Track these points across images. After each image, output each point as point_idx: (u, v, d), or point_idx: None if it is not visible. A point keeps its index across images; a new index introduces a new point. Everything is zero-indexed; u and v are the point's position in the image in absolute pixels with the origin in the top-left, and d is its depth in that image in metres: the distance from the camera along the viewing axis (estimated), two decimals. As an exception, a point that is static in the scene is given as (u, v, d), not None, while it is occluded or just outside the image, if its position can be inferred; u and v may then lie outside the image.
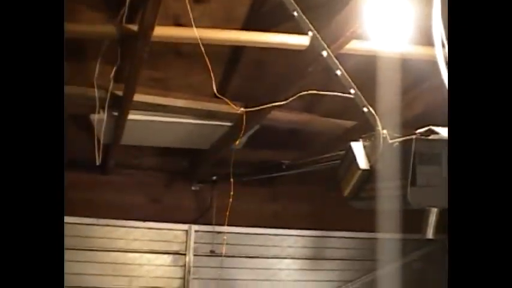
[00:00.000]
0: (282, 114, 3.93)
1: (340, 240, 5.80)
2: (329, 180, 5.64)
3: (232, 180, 4.09)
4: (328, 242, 5.78)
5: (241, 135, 3.45)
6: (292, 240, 5.68)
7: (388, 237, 5.88)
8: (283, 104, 2.86)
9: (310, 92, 2.62)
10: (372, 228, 5.68)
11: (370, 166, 2.22)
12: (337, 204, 5.67)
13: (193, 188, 5.47)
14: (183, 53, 3.41)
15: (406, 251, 5.96)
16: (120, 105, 3.72)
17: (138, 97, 3.62)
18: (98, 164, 3.81)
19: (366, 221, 5.70)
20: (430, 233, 5.25)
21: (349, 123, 4.08)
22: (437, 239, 5.37)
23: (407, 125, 2.37)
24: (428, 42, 1.92)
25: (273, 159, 4.32)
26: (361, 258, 5.85)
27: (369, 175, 2.21)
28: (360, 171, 2.22)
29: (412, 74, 3.23)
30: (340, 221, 5.71)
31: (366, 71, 2.64)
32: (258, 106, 3.04)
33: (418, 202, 2.07)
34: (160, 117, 4.02)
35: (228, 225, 4.69)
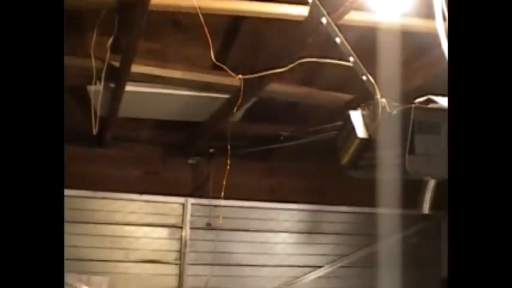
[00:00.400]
0: (280, 86, 3.91)
1: (336, 214, 5.83)
2: (326, 155, 5.67)
3: (229, 152, 4.09)
4: (324, 216, 5.80)
5: (239, 102, 3.43)
6: (288, 214, 5.70)
7: (383, 212, 5.93)
8: (282, 72, 2.85)
9: (309, 60, 2.61)
10: (367, 203, 5.76)
11: (369, 135, 2.22)
12: (333, 178, 5.70)
13: (190, 162, 5.47)
14: (181, 24, 3.39)
15: (401, 226, 5.99)
16: (117, 77, 3.69)
17: (135, 68, 3.59)
18: (94, 133, 3.79)
19: (362, 195, 5.76)
20: (425, 208, 5.28)
21: (348, 97, 4.06)
22: (433, 214, 5.43)
23: (407, 98, 2.36)
24: (429, 14, 1.91)
25: (271, 132, 4.31)
26: (357, 233, 5.89)
27: (367, 144, 2.21)
28: (358, 140, 2.22)
29: (412, 47, 3.22)
30: (336, 195, 5.74)
31: (365, 43, 2.63)
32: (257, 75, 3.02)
33: (415, 170, 2.07)
34: (158, 89, 4.00)
35: (224, 198, 4.71)
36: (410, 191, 5.09)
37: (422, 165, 2.08)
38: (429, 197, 4.99)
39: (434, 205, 4.87)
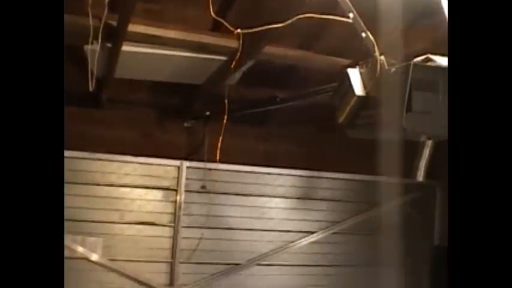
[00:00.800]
0: (278, 49, 3.88)
1: (330, 181, 5.86)
2: (322, 120, 5.66)
3: (225, 116, 4.08)
4: (318, 182, 5.83)
5: (237, 58, 3.41)
6: (283, 179, 5.72)
7: (377, 180, 5.96)
8: (280, 29, 2.83)
9: (308, 15, 2.58)
10: (362, 170, 5.77)
11: (366, 93, 2.21)
12: (329, 145, 5.75)
13: (185, 125, 5.45)
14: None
15: (395, 195, 6.01)
16: (114, 36, 3.67)
17: (132, 27, 3.56)
18: (91, 90, 3.77)
19: (357, 162, 5.79)
20: (420, 176, 5.30)
21: (346, 61, 4.04)
22: (427, 183, 5.45)
23: (406, 59, 2.34)
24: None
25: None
26: (351, 200, 5.92)
27: (365, 102, 2.20)
28: (355, 98, 2.22)
29: (413, 11, 3.19)
30: (332, 162, 5.76)
31: (366, 5, 2.61)
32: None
33: (412, 128, 2.07)
34: (154, 50, 3.97)
35: (219, 162, 4.71)
36: (405, 159, 5.10)
37: (420, 124, 2.08)
38: (424, 165, 5.01)
39: (428, 174, 4.90)
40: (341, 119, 2.33)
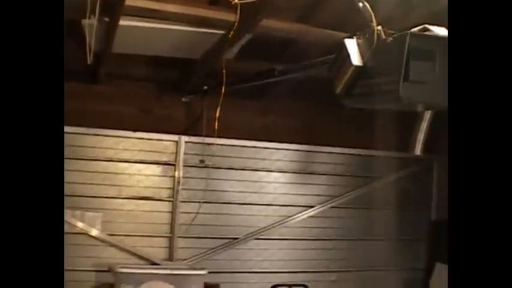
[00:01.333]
0: (275, 23, 3.88)
1: (328, 155, 5.87)
2: (320, 95, 5.66)
3: (223, 90, 4.07)
4: (316, 156, 5.84)
5: (234, 28, 3.39)
6: (281, 153, 5.74)
7: (375, 154, 6.00)
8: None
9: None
10: (360, 145, 5.78)
11: (364, 62, 2.21)
12: (327, 119, 5.75)
13: (183, 100, 5.44)
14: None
15: (392, 169, 6.05)
16: (112, 10, 3.65)
17: (130, 1, 3.55)
18: (89, 62, 3.76)
19: (354, 137, 5.80)
20: (418, 150, 5.32)
21: (343, 34, 4.03)
22: (425, 157, 5.46)
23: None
24: None
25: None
26: (349, 174, 5.94)
27: (362, 71, 2.21)
28: (353, 67, 2.22)
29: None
30: (330, 136, 5.77)
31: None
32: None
33: (409, 97, 2.07)
34: (152, 24, 3.96)
35: (218, 137, 4.72)
36: (403, 133, 5.12)
37: (416, 93, 2.08)
38: (422, 138, 5.03)
39: (426, 148, 4.92)
40: (338, 89, 2.33)
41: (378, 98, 2.17)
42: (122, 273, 4.59)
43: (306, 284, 5.42)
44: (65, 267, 4.78)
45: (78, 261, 5.12)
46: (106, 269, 4.99)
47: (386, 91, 2.08)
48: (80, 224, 5.15)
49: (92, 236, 5.19)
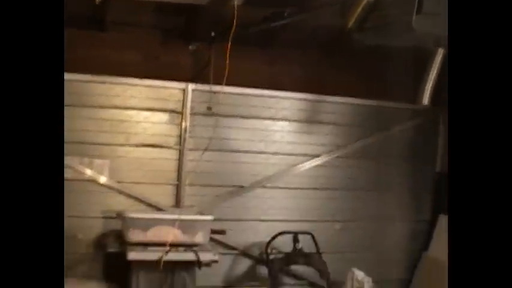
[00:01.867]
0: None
1: (335, 105, 5.85)
2: (327, 43, 5.63)
3: (231, 36, 4.03)
4: (323, 106, 5.82)
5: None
6: (287, 102, 5.71)
7: (382, 105, 5.98)
8: None
9: None
10: (367, 95, 5.76)
11: (377, -5, 2.19)
12: (334, 68, 5.72)
13: (190, 47, 5.41)
14: None
15: (399, 120, 6.04)
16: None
17: None
18: (97, 3, 3.73)
19: (361, 87, 5.78)
20: (425, 99, 5.29)
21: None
22: (431, 109, 5.45)
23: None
24: None
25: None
26: (355, 124, 5.93)
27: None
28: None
29: None
30: (336, 85, 5.74)
31: None
32: None
33: (422, 29, 2.05)
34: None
35: (225, 85, 4.68)
36: (411, 84, 5.09)
37: (429, 25, 2.06)
38: (430, 88, 5.01)
39: (433, 100, 4.90)
40: (350, 23, 2.31)
41: (390, 32, 2.15)
42: (130, 218, 4.64)
43: (310, 232, 5.47)
44: (74, 214, 4.90)
45: (86, 208, 5.18)
46: (114, 215, 5.03)
47: (398, 24, 2.06)
48: (88, 171, 5.18)
49: (100, 183, 5.23)
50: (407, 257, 6.26)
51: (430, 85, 4.91)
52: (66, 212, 4.72)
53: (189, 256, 4.59)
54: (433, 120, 6.20)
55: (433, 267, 5.91)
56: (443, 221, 5.94)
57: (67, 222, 4.75)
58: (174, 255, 4.56)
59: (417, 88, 4.92)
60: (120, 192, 5.28)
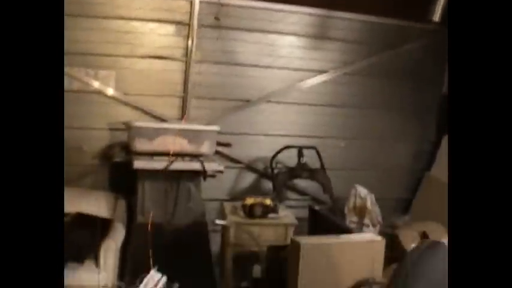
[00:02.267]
0: None
1: (344, 21, 5.75)
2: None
3: None
4: (332, 22, 5.72)
5: None
6: (297, 17, 5.61)
7: (392, 22, 5.89)
8: None
9: None
10: (377, 12, 5.66)
11: None
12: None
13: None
14: None
15: (408, 39, 5.97)
16: None
17: None
18: None
19: (372, 3, 5.66)
20: (437, 16, 5.20)
21: None
22: (441, 29, 5.36)
23: None
24: None
25: None
26: (364, 41, 5.86)
27: None
28: None
29: None
30: (346, 1, 5.62)
31: None
32: None
33: None
34: None
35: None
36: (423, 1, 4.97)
37: None
38: (442, 3, 4.91)
39: (444, 19, 4.82)
40: None
41: None
42: (137, 127, 4.64)
43: (315, 146, 5.49)
44: (80, 126, 4.92)
45: (93, 119, 5.20)
46: (120, 127, 5.04)
47: None
48: (95, 83, 5.16)
49: (106, 95, 5.22)
50: (410, 177, 6.33)
51: (443, 2, 4.83)
52: (72, 124, 4.80)
53: (195, 166, 4.61)
54: (442, 41, 6.11)
55: (434, 187, 5.97)
56: (447, 142, 5.96)
57: (73, 134, 4.85)
58: (179, 165, 4.58)
59: (429, 5, 4.84)
60: (126, 104, 5.29)
